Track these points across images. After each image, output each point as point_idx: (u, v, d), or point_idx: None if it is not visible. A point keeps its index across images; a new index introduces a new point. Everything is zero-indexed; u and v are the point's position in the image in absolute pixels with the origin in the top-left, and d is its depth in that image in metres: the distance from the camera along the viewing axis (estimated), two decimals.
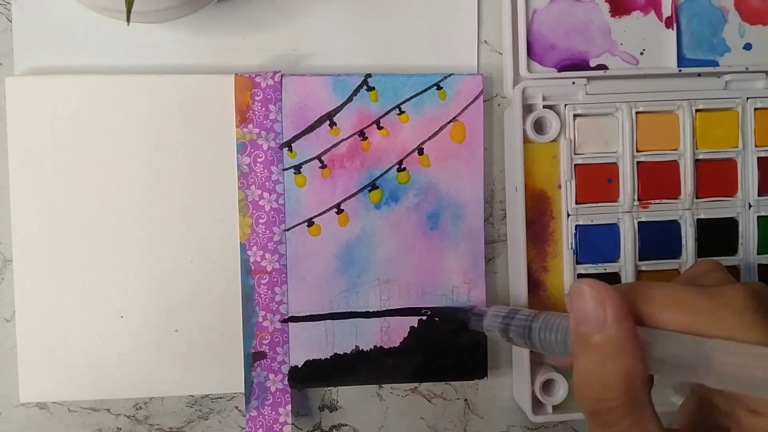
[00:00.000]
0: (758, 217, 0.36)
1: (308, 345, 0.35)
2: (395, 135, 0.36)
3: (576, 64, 0.36)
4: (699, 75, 0.37)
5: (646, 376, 0.23)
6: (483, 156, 0.36)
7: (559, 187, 0.36)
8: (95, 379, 0.35)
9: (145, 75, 0.34)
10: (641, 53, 0.36)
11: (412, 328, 0.36)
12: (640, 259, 0.36)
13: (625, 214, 0.36)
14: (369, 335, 0.36)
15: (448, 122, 0.36)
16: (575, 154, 0.35)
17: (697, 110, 0.36)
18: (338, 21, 0.36)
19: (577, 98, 0.35)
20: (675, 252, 0.36)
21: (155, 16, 0.30)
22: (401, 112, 0.36)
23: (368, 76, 0.35)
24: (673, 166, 0.36)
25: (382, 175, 0.36)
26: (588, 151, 0.36)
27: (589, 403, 0.24)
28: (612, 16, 0.36)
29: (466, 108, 0.36)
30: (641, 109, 0.35)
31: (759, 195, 0.36)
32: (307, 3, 0.36)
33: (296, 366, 0.35)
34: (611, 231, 0.36)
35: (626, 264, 0.35)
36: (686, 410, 0.29)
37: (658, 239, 0.36)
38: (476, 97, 0.36)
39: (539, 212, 0.36)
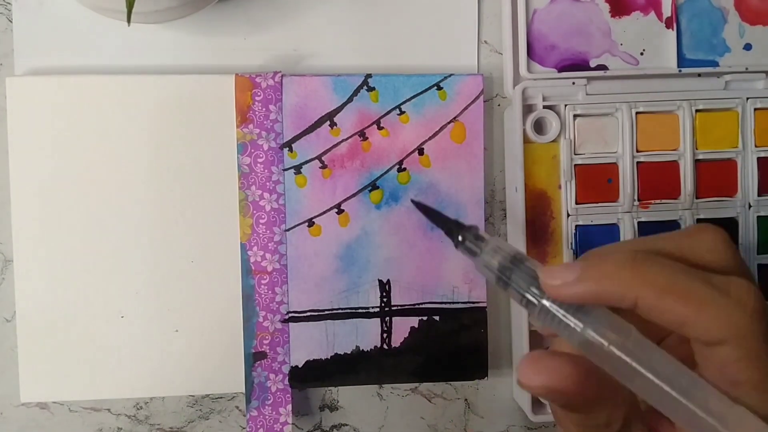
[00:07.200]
0: (758, 217, 0.36)
1: (309, 345, 0.35)
2: (395, 135, 0.36)
3: (576, 65, 0.36)
4: (699, 75, 0.37)
5: None
6: (483, 156, 0.36)
7: (559, 187, 0.36)
8: (96, 379, 0.35)
9: (145, 75, 0.34)
10: (641, 53, 0.36)
11: (412, 328, 0.36)
12: None
13: (625, 214, 0.36)
14: (369, 335, 0.36)
15: (449, 122, 0.36)
16: (575, 154, 0.35)
17: (697, 110, 0.36)
18: (338, 21, 0.36)
19: (577, 98, 0.35)
20: None
21: (155, 17, 0.30)
22: (401, 113, 0.36)
23: (368, 76, 0.35)
24: (672, 167, 0.36)
25: (382, 175, 0.36)
26: (588, 151, 0.36)
27: None
28: (612, 16, 0.36)
29: (466, 108, 0.36)
30: (641, 109, 0.35)
31: (759, 195, 0.36)
32: (307, 3, 0.36)
33: (297, 366, 0.35)
34: (611, 231, 0.36)
35: None
36: None
37: None
38: (476, 98, 0.36)
39: (539, 212, 0.36)
